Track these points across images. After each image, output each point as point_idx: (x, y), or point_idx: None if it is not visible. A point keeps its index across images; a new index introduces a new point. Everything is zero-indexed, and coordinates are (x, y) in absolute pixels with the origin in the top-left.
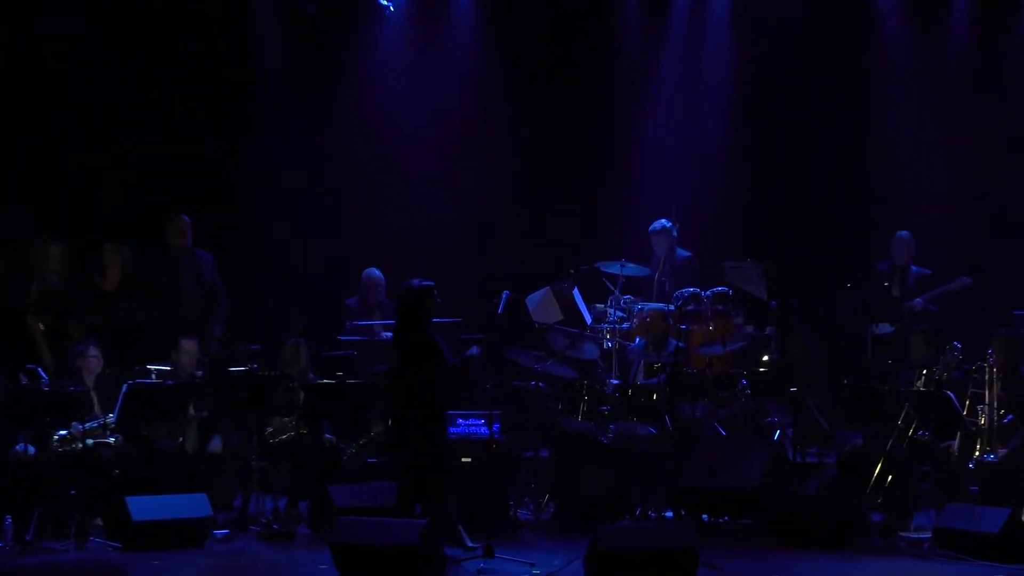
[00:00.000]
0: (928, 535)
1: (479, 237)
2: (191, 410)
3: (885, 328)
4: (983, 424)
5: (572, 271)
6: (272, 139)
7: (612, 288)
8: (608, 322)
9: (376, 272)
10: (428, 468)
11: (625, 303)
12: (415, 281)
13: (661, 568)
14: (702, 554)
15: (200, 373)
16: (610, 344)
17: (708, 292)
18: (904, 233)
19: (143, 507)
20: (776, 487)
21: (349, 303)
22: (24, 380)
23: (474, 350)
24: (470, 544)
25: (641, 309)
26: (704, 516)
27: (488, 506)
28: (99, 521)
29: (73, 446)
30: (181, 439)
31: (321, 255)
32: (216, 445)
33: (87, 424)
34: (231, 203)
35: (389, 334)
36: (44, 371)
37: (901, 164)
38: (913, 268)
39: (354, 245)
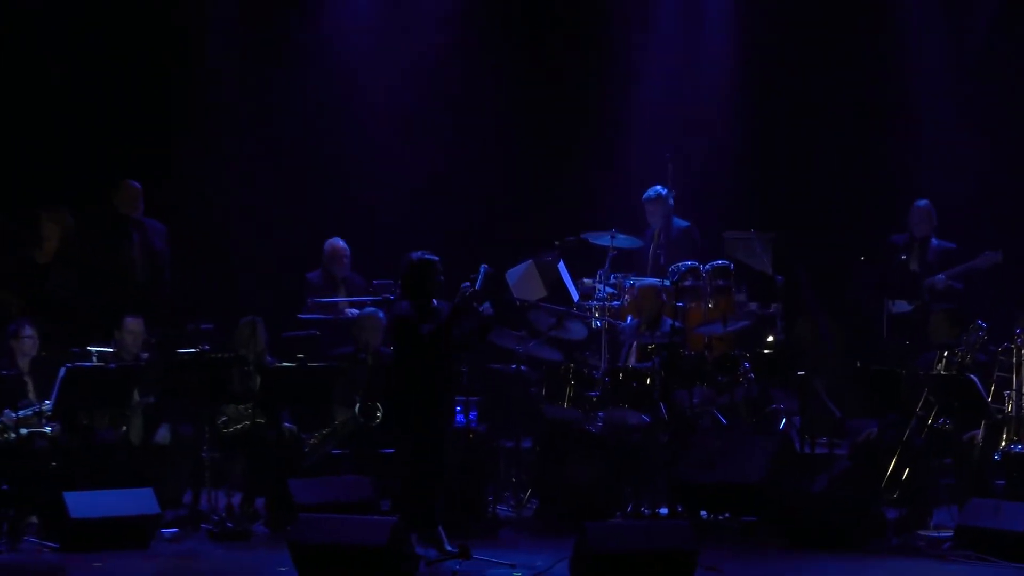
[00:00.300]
0: (949, 534)
1: (454, 206)
2: (136, 396)
3: (902, 306)
4: (1010, 411)
5: (557, 243)
6: (227, 99)
7: (602, 262)
8: (597, 299)
9: (340, 242)
10: (420, 459)
11: (616, 278)
12: (416, 254)
13: (655, 570)
14: (701, 555)
15: (146, 355)
16: (599, 323)
17: (707, 266)
18: (923, 202)
19: (83, 503)
20: (782, 481)
21: (310, 277)
22: None
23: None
24: (448, 548)
25: (633, 285)
26: (703, 513)
27: (464, 502)
28: (34, 519)
29: (5, 436)
30: (125, 428)
31: (281, 225)
32: (164, 435)
33: (20, 412)
34: (181, 169)
35: (355, 311)
36: None
37: (923, 126)
38: (934, 241)
39: (317, 214)
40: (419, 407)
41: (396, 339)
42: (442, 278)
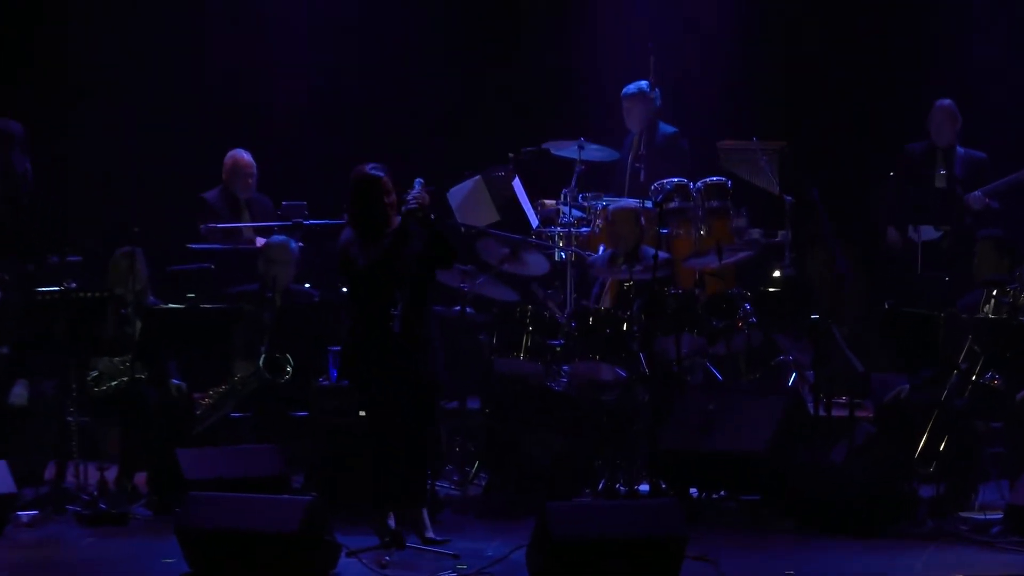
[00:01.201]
0: (998, 516)
1: (385, 109)
2: None
3: (929, 232)
4: None
5: (512, 155)
6: None
7: (567, 179)
8: (562, 225)
9: (245, 156)
10: (370, 426)
11: (585, 199)
12: (368, 167)
13: (634, 562)
14: (690, 543)
15: None
16: (564, 255)
17: (699, 183)
18: (946, 102)
19: None
20: (791, 451)
21: (207, 198)
22: None
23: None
24: (430, 535)
25: (606, 207)
26: (693, 491)
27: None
28: None
29: None
30: None
31: (168, 133)
32: (20, 395)
33: None
34: (45, 66)
35: (261, 240)
36: None
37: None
38: (959, 150)
39: (215, 120)
40: (361, 359)
41: (341, 276)
42: (392, 198)
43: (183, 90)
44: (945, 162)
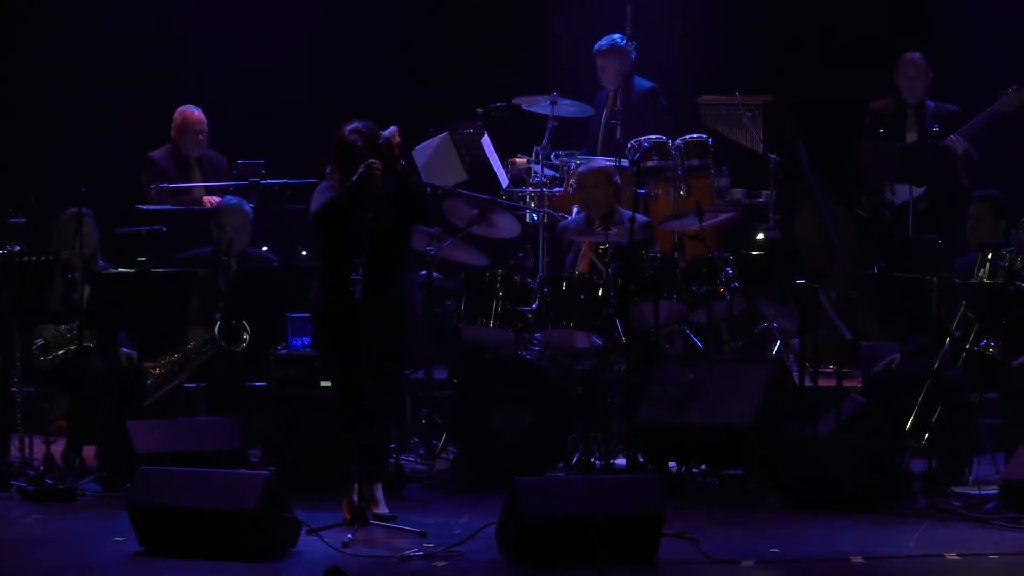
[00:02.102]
0: (993, 491)
1: (348, 61)
2: None
3: (904, 193)
4: None
5: (481, 110)
6: None
7: (539, 136)
8: (533, 185)
9: (194, 111)
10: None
11: (558, 157)
12: (348, 129)
13: (609, 539)
14: (669, 520)
15: None
16: (536, 217)
17: (679, 141)
18: (916, 55)
19: None
20: (775, 424)
21: (153, 157)
22: None
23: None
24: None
25: (579, 166)
26: (672, 465)
27: (357, 451)
28: None
29: None
30: None
31: (117, 87)
32: None
33: None
34: None
35: (215, 199)
36: None
37: None
38: (930, 104)
39: (167, 74)
40: (326, 326)
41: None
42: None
43: (132, 43)
44: (916, 118)
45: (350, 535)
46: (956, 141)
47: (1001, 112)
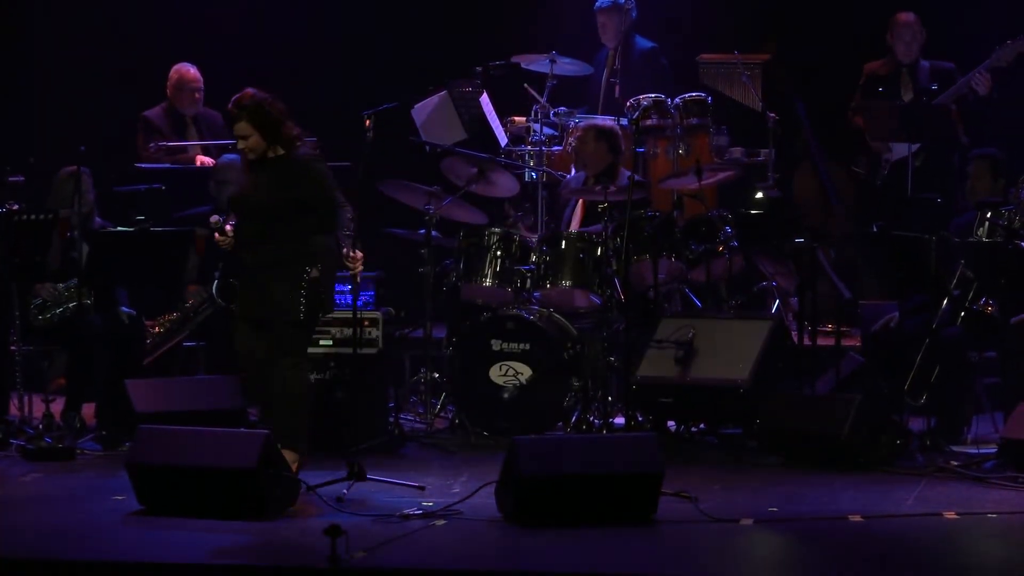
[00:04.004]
0: (992, 450)
1: (345, 19)
2: None
3: (902, 150)
4: None
5: (480, 69)
6: None
7: (537, 96)
8: (532, 143)
9: (190, 69)
10: None
11: (557, 115)
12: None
13: (608, 498)
14: (667, 479)
15: None
16: (535, 175)
17: (678, 99)
18: (911, 16)
19: None
20: (774, 382)
21: (148, 115)
22: None
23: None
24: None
25: (579, 124)
26: (671, 424)
27: (359, 409)
28: None
29: None
30: None
31: (113, 47)
32: None
33: None
34: None
35: (208, 160)
36: None
37: None
38: (924, 63)
39: (165, 31)
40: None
41: None
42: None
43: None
44: (911, 78)
45: (345, 490)
46: (980, 79)
47: (995, 67)
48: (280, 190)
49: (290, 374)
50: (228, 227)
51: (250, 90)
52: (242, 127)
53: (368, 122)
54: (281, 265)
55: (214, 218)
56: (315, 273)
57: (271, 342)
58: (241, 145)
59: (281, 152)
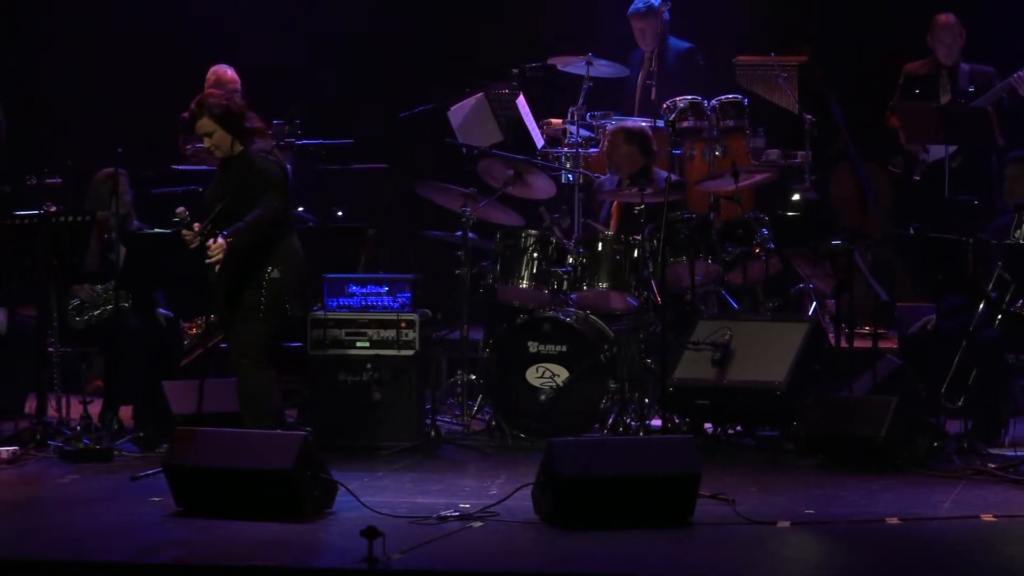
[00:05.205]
0: None
1: (382, 23)
2: None
3: (938, 152)
4: None
5: (516, 71)
6: None
7: (574, 96)
8: (569, 145)
9: (227, 70)
10: None
11: (594, 118)
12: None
13: (645, 500)
14: (704, 481)
15: None
16: (571, 177)
17: (714, 101)
18: (950, 17)
19: None
20: (811, 384)
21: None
22: None
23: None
24: None
25: (615, 126)
26: (707, 426)
27: (395, 411)
28: None
29: None
30: None
31: (149, 47)
32: None
33: None
34: None
35: None
36: None
37: None
38: (964, 66)
39: (195, 34)
40: None
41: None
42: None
43: (167, 1)
44: (950, 80)
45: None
46: (1021, 80)
47: None
48: (235, 190)
49: (250, 373)
50: (196, 225)
51: (211, 90)
52: (204, 123)
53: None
54: (240, 265)
55: (180, 209)
56: (275, 273)
57: (232, 341)
58: (207, 144)
59: (240, 149)
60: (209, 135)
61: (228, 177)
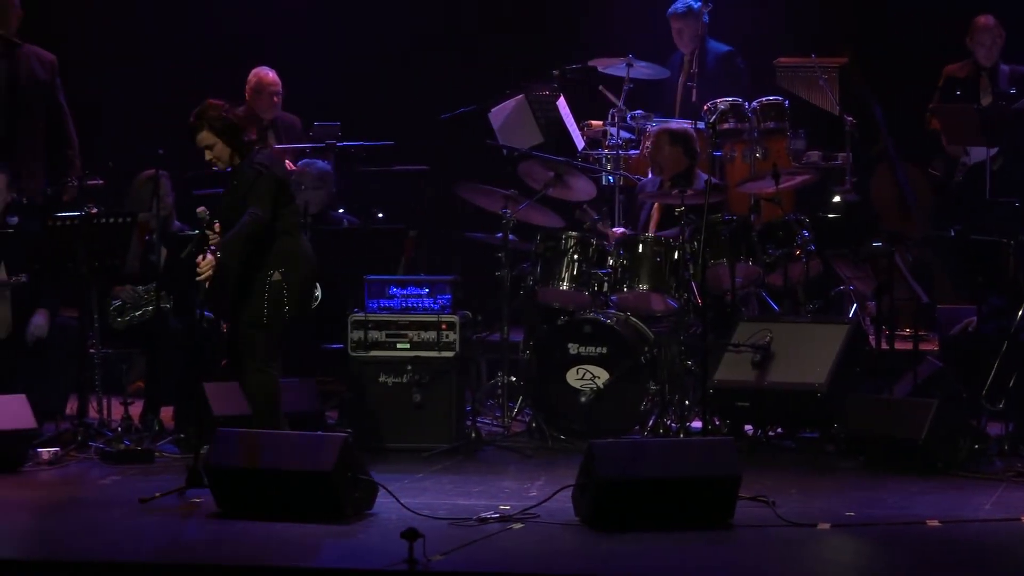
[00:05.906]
0: None
1: (423, 24)
2: (2, 274)
3: (980, 154)
4: None
5: (557, 72)
6: None
7: (614, 99)
8: (609, 147)
9: (270, 73)
10: None
11: (634, 119)
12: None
13: (685, 502)
14: (744, 483)
15: (14, 220)
16: (611, 179)
17: (755, 103)
18: (990, 19)
19: None
20: (851, 386)
21: None
22: None
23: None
24: None
25: (653, 128)
26: (748, 428)
27: (436, 412)
28: None
29: None
30: None
31: (191, 47)
32: (39, 325)
33: None
34: None
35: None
36: None
37: None
38: (1003, 67)
39: (235, 35)
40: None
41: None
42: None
43: (208, 4)
44: (990, 81)
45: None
46: None
47: None
48: (234, 199)
49: (254, 377)
50: (217, 224)
51: (210, 100)
52: (204, 136)
53: None
54: (244, 269)
55: (201, 209)
56: (276, 276)
57: (239, 345)
58: (208, 156)
59: (238, 161)
60: (210, 147)
61: (230, 190)
